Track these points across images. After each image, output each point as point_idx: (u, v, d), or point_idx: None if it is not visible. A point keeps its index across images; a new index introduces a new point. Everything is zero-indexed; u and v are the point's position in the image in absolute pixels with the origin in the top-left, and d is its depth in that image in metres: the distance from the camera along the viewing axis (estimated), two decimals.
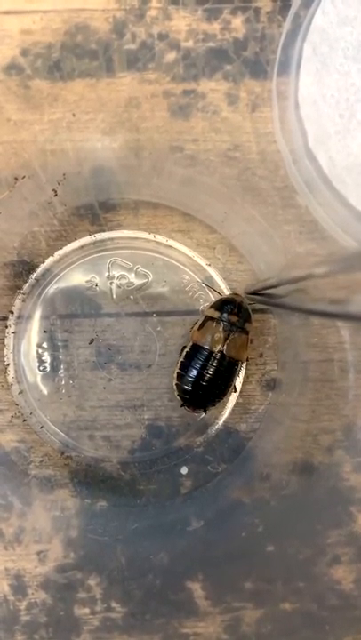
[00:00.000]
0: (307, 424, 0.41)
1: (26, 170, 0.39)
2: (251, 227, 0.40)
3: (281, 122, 0.39)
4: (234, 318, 0.40)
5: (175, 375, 0.41)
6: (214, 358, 0.40)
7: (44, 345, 0.43)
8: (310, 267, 0.25)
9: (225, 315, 0.40)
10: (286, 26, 0.38)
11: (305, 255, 0.40)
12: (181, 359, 0.41)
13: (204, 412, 0.42)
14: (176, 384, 0.41)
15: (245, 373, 0.43)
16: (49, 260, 0.43)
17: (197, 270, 0.43)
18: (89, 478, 0.42)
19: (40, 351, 0.43)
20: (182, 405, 0.41)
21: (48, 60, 0.38)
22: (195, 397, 0.41)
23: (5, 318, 0.43)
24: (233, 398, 0.43)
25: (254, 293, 0.38)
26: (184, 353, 0.41)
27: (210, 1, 0.38)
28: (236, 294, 0.41)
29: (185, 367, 0.40)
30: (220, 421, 0.43)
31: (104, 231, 0.43)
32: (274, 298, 0.34)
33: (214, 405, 0.42)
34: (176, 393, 0.41)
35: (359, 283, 0.21)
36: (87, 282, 0.43)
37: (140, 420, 0.43)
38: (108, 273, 0.43)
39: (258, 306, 0.41)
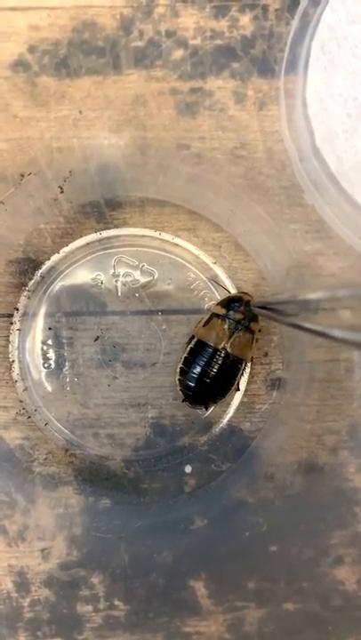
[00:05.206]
0: (311, 424, 0.41)
1: (32, 167, 0.39)
2: (257, 225, 0.40)
3: (288, 120, 0.39)
4: (240, 316, 0.40)
5: (178, 370, 0.41)
6: (219, 356, 0.40)
7: (49, 342, 0.43)
8: (330, 289, 0.25)
9: (231, 312, 0.40)
10: (294, 24, 0.37)
11: (311, 255, 0.40)
12: (185, 354, 0.41)
13: (206, 408, 0.42)
14: (179, 379, 0.41)
15: (250, 372, 0.43)
16: (54, 258, 0.43)
17: (203, 269, 0.43)
18: (93, 476, 0.42)
19: (45, 348, 0.43)
20: (184, 400, 0.42)
21: (55, 57, 0.38)
22: (197, 394, 0.41)
23: (10, 315, 0.43)
24: (237, 397, 0.43)
25: (263, 307, 0.37)
26: (188, 349, 0.41)
27: None
28: (244, 293, 0.41)
29: (189, 363, 0.41)
30: (225, 420, 0.43)
31: (110, 229, 0.43)
32: (283, 314, 0.33)
33: (216, 403, 0.42)
34: (178, 388, 0.41)
35: None
36: (92, 279, 0.43)
37: (145, 419, 0.43)
38: (113, 270, 0.43)
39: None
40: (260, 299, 0.40)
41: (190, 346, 0.41)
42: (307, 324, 0.26)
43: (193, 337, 0.41)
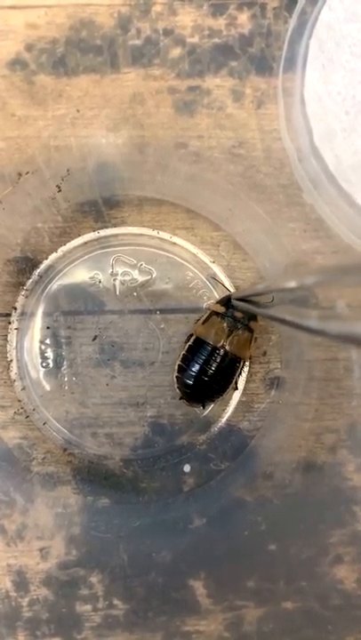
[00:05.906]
0: (310, 423, 0.41)
1: (29, 165, 0.39)
2: (255, 224, 0.40)
3: (286, 119, 0.39)
4: (239, 315, 0.40)
5: (176, 367, 0.41)
6: (217, 354, 0.40)
7: (47, 341, 0.43)
8: (302, 276, 0.24)
9: (231, 310, 0.40)
10: (293, 22, 0.37)
11: (310, 254, 0.40)
12: (184, 352, 0.41)
13: (203, 406, 0.42)
14: (177, 376, 0.41)
15: (249, 371, 0.43)
16: (52, 257, 0.43)
17: (201, 267, 0.43)
18: (91, 475, 0.42)
19: (43, 348, 0.43)
20: (181, 398, 0.42)
21: (52, 56, 0.38)
22: (195, 392, 0.41)
23: (8, 315, 0.43)
24: (236, 396, 0.43)
25: (241, 300, 0.37)
26: (186, 346, 0.41)
27: None
28: None
29: (187, 361, 0.40)
30: (223, 419, 0.43)
31: (108, 227, 0.43)
32: (261, 306, 0.33)
33: (213, 402, 0.42)
34: (176, 385, 0.41)
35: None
36: (90, 278, 0.43)
37: (143, 418, 0.43)
38: (111, 269, 0.43)
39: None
40: (239, 291, 0.40)
41: (189, 344, 0.41)
42: (284, 316, 0.26)
43: (191, 335, 0.41)
